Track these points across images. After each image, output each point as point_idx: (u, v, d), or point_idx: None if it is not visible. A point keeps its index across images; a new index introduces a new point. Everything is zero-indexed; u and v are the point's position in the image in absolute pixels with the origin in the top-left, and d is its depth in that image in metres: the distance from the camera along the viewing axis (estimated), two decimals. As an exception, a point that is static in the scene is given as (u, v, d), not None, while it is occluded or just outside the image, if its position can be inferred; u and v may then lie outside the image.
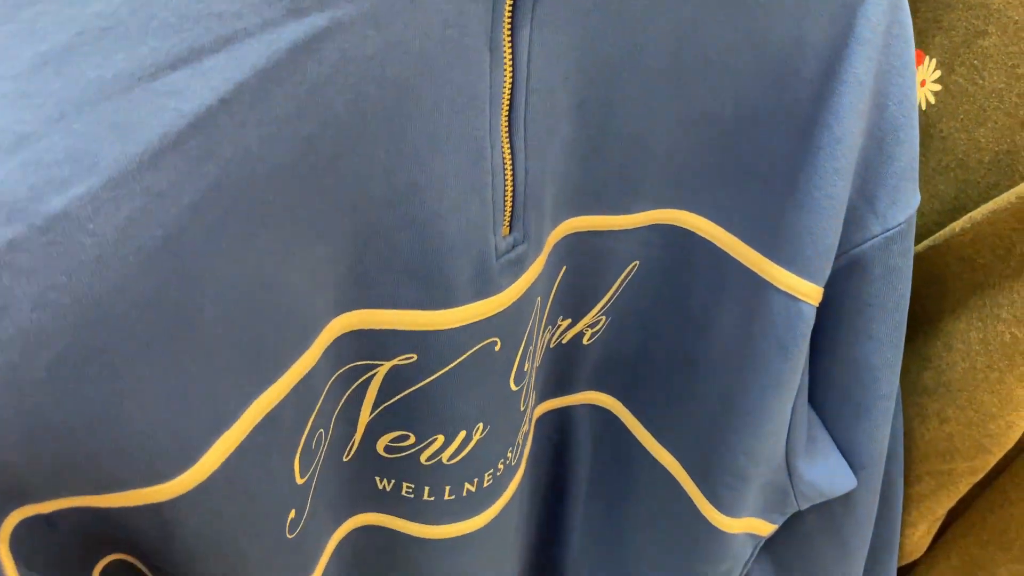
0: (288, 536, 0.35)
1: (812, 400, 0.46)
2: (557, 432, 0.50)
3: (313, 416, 0.34)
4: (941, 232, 0.47)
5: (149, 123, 0.23)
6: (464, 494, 0.41)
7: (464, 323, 0.35)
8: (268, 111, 0.26)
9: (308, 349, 0.32)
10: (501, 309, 0.35)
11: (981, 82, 0.48)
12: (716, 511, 0.47)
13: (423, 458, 0.39)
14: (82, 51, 0.23)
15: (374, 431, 0.38)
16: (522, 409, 0.42)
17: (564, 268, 0.41)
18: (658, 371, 0.47)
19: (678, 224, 0.42)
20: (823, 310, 0.42)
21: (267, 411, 0.30)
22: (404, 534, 0.42)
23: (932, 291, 0.48)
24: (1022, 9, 0.46)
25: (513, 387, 0.39)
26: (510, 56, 0.31)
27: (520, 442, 0.43)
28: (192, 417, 0.27)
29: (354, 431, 0.38)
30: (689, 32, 0.35)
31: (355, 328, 0.34)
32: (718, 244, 0.41)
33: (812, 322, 0.40)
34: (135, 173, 0.23)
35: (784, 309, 0.40)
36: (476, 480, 0.41)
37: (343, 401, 0.36)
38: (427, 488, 0.40)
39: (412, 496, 0.41)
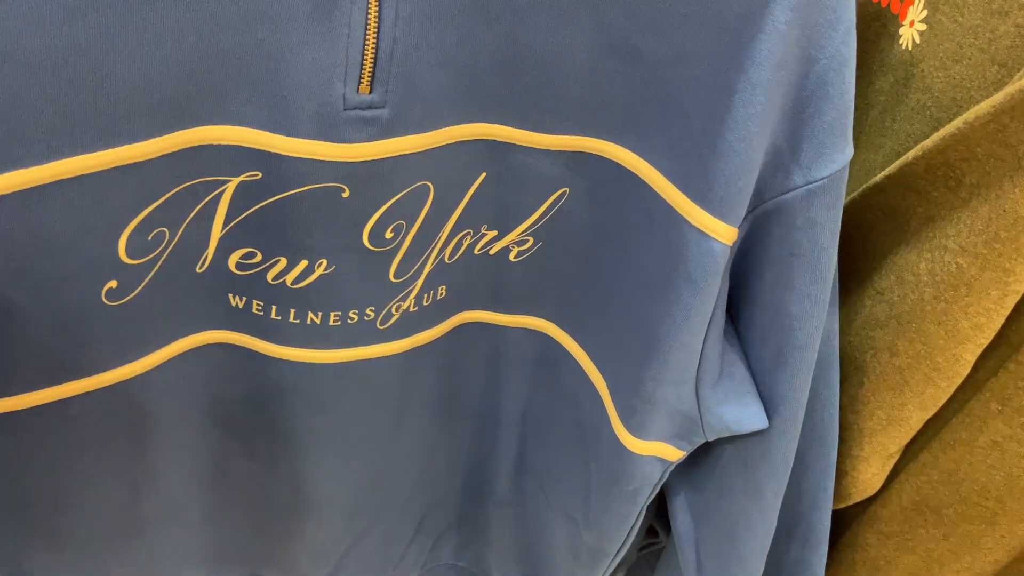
0: (105, 301, 0.40)
1: (740, 342, 0.48)
2: (493, 349, 0.53)
3: (149, 209, 0.39)
4: (895, 163, 0.47)
5: None
6: (308, 322, 0.45)
7: (305, 155, 0.38)
8: None
9: (144, 141, 0.36)
10: (349, 159, 0.39)
11: (961, 19, 0.48)
12: (626, 431, 0.49)
13: (269, 277, 0.43)
14: None
15: (225, 247, 0.42)
16: (393, 280, 0.44)
17: (484, 175, 0.44)
18: (590, 295, 0.49)
19: (605, 155, 0.43)
20: (750, 254, 0.44)
21: (80, 172, 0.35)
22: (256, 352, 0.47)
23: (887, 224, 0.49)
24: (1003, -56, 0.46)
25: (368, 244, 0.42)
26: None
27: (394, 312, 0.46)
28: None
29: (206, 245, 0.42)
30: None
31: (205, 142, 0.38)
32: (642, 177, 0.43)
33: (724, 260, 0.42)
34: None
35: (696, 245, 0.42)
36: (320, 313, 0.45)
37: (194, 212, 0.40)
38: (274, 307, 0.44)
39: (261, 314, 0.45)
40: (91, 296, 0.40)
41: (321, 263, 0.43)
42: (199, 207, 0.40)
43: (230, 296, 0.45)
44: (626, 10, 0.38)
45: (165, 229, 0.40)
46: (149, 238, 0.40)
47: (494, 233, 0.47)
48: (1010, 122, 0.41)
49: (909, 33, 0.52)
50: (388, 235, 0.43)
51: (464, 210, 0.44)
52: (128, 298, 0.41)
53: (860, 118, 0.56)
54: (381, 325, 0.47)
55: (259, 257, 0.43)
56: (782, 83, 0.38)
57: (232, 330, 0.46)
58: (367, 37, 0.36)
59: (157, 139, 0.37)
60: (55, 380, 0.42)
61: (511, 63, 0.39)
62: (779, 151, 0.40)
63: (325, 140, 0.38)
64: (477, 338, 0.52)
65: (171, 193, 0.39)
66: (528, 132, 0.42)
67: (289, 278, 0.43)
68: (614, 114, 0.42)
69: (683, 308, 0.43)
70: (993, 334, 0.46)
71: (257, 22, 0.35)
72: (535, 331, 0.52)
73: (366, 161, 0.39)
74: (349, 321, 0.46)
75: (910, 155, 0.46)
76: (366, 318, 0.46)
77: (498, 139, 0.42)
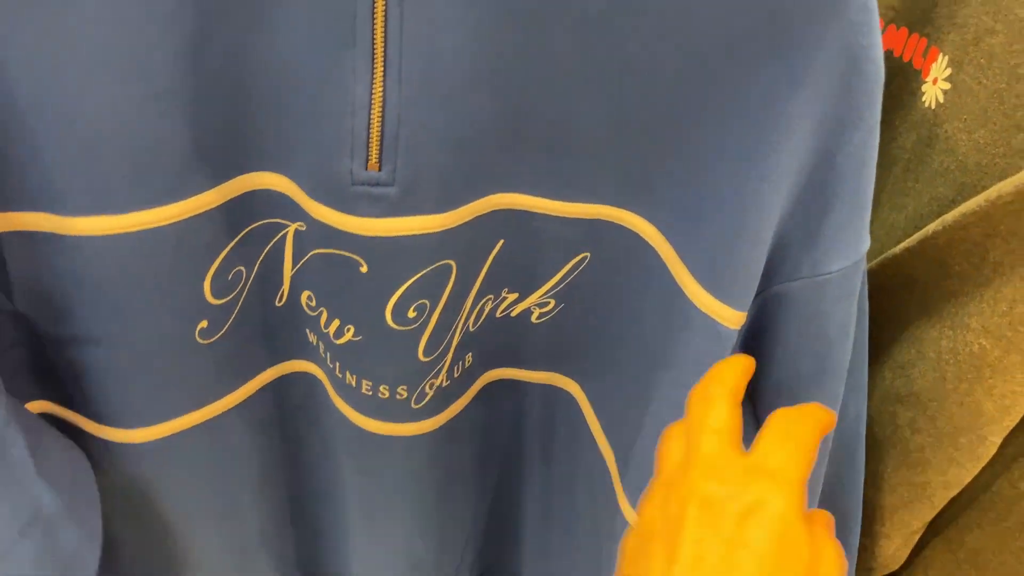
0: (199, 340, 0.43)
1: (754, 415, 0.46)
2: (516, 406, 0.52)
3: (226, 250, 0.41)
4: (916, 234, 0.45)
5: None
6: (347, 381, 0.46)
7: (325, 221, 0.40)
8: None
9: (210, 190, 0.39)
10: (362, 233, 0.40)
11: (985, 82, 0.46)
12: (631, 508, 0.48)
13: (321, 323, 0.45)
14: None
15: (296, 285, 0.44)
16: (423, 359, 0.44)
17: (502, 242, 0.43)
18: (608, 362, 0.48)
19: (624, 224, 0.43)
20: (760, 333, 0.43)
21: (169, 221, 0.38)
22: (327, 391, 0.48)
23: (906, 295, 0.47)
24: (1028, 6, 0.44)
25: (391, 322, 0.43)
26: (382, 7, 0.35)
27: (428, 391, 0.46)
28: (114, 181, 0.37)
29: (282, 282, 0.44)
30: (602, 27, 0.36)
31: (258, 187, 0.40)
32: (657, 250, 0.42)
33: (730, 343, 0.41)
34: None
35: (703, 328, 0.40)
36: (355, 377, 0.45)
37: (266, 252, 0.43)
38: (329, 355, 0.46)
39: (324, 357, 0.46)
40: (187, 335, 0.43)
41: (349, 328, 0.44)
42: (269, 247, 0.43)
43: (308, 331, 0.47)
44: (633, 81, 0.37)
45: (242, 268, 0.43)
46: (229, 277, 0.43)
47: (515, 296, 0.46)
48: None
49: (933, 91, 0.50)
50: (411, 314, 0.43)
51: (485, 278, 0.44)
52: (218, 336, 0.44)
53: (882, 175, 0.54)
54: (415, 404, 0.47)
55: (315, 302, 0.44)
56: (796, 173, 0.37)
57: (312, 362, 0.48)
58: (372, 116, 0.37)
59: (216, 188, 0.39)
60: (157, 418, 0.45)
61: (523, 135, 0.39)
62: (788, 240, 0.39)
63: (338, 210, 0.39)
64: (502, 396, 0.52)
65: (242, 234, 0.42)
66: (546, 200, 0.42)
67: (331, 331, 0.44)
68: (631, 184, 0.41)
69: (687, 388, 0.42)
70: (1020, 415, 0.44)
71: (272, 92, 0.37)
72: (557, 388, 0.51)
73: (381, 237, 0.40)
74: (381, 396, 0.46)
75: (931, 228, 0.44)
76: (398, 397, 0.46)
77: (515, 207, 0.42)
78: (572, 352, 0.49)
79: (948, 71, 0.49)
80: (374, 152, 0.38)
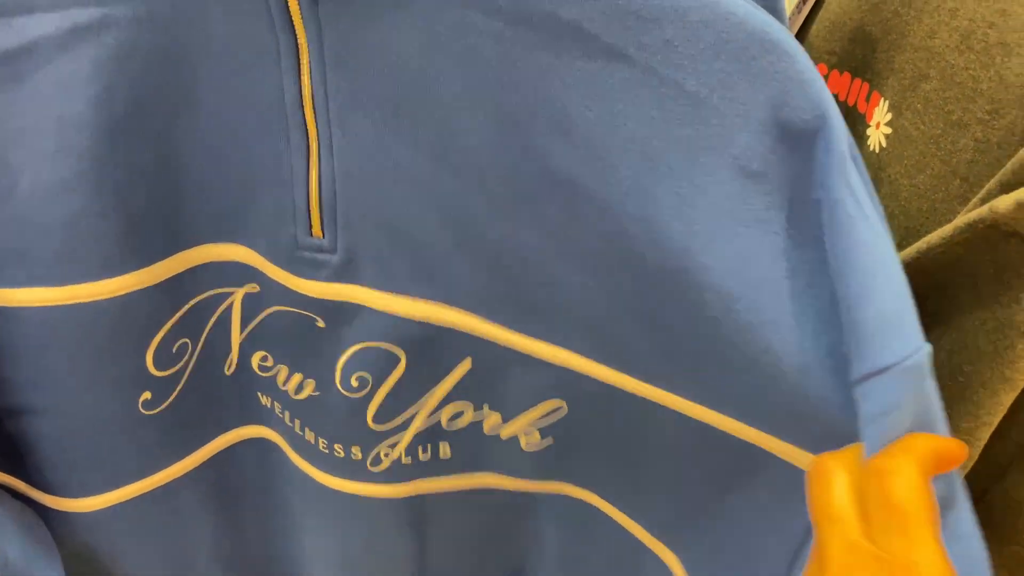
0: (143, 411, 0.44)
1: None
2: (520, 508, 0.49)
3: (168, 325, 0.42)
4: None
5: None
6: (307, 437, 0.46)
7: (280, 281, 0.41)
8: (57, 68, 0.35)
9: (148, 266, 0.40)
10: (314, 295, 0.41)
11: (923, 127, 0.47)
12: None
13: (279, 382, 0.46)
14: None
15: (246, 350, 0.45)
16: (373, 426, 0.44)
17: (469, 360, 0.42)
18: (630, 480, 0.45)
19: (606, 381, 0.39)
20: None
21: (105, 296, 0.39)
22: (284, 453, 0.49)
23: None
24: (958, 55, 0.44)
25: (339, 383, 0.43)
26: (308, 83, 0.35)
27: (383, 458, 0.45)
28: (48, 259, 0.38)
29: (230, 349, 0.45)
30: (518, 130, 0.34)
31: (207, 260, 0.42)
32: (653, 400, 0.39)
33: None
34: None
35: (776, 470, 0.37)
36: (314, 434, 0.46)
37: (212, 321, 0.44)
38: (287, 413, 0.46)
39: (282, 417, 0.47)
40: (129, 407, 0.43)
41: (310, 383, 0.44)
42: (215, 316, 0.44)
43: (259, 395, 0.47)
44: (562, 203, 0.34)
45: (187, 340, 0.44)
46: (173, 350, 0.43)
47: (497, 416, 0.44)
48: (964, 253, 0.39)
49: (876, 136, 0.51)
50: (354, 383, 0.43)
51: (455, 389, 0.43)
52: (163, 407, 0.44)
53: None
54: (372, 467, 0.46)
55: (271, 361, 0.45)
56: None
57: (266, 426, 0.49)
58: (310, 186, 0.38)
59: (159, 264, 0.40)
60: (104, 487, 0.46)
61: (459, 247, 0.37)
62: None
63: (290, 272, 0.41)
64: (499, 499, 0.49)
65: (186, 308, 0.42)
66: (503, 329, 0.40)
67: (291, 387, 0.45)
68: (588, 327, 0.38)
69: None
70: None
71: (215, 166, 0.39)
72: (571, 497, 0.48)
73: (328, 300, 0.41)
74: (336, 454, 0.46)
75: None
76: (353, 457, 0.46)
77: (474, 332, 0.40)
78: (581, 470, 0.46)
79: (889, 116, 0.50)
80: (316, 220, 0.39)
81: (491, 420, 0.45)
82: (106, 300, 0.39)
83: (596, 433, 0.43)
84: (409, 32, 0.33)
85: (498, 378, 0.42)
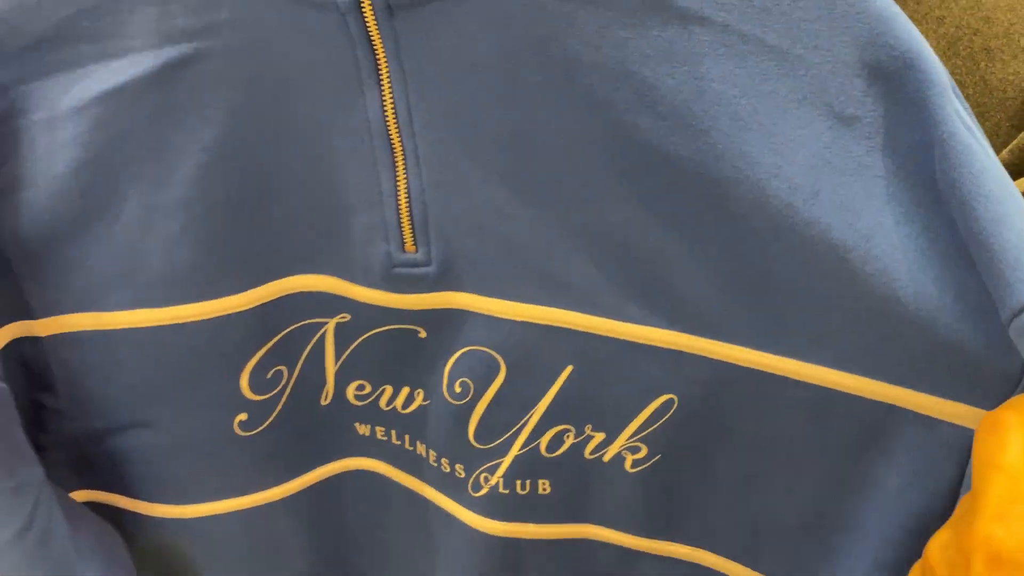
0: (238, 432, 0.45)
1: None
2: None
3: (264, 350, 0.44)
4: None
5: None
6: (417, 451, 0.47)
7: (376, 303, 0.42)
8: (150, 102, 0.37)
9: (242, 292, 0.42)
10: (413, 308, 0.41)
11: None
12: None
13: (382, 404, 0.46)
14: None
15: (341, 381, 0.46)
16: (474, 442, 0.44)
17: (570, 368, 0.41)
18: (760, 530, 0.42)
19: (717, 357, 0.37)
20: None
21: (201, 318, 0.41)
22: (388, 478, 0.49)
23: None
24: (945, 60, 0.47)
25: (445, 392, 0.43)
26: (390, 99, 0.36)
27: (483, 483, 0.45)
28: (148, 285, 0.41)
29: (325, 380, 0.46)
30: (605, 106, 0.34)
31: (296, 290, 0.43)
32: (769, 371, 0.37)
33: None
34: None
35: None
36: (424, 446, 0.46)
37: (307, 352, 0.45)
38: (394, 432, 0.47)
39: (385, 439, 0.47)
40: (225, 426, 0.45)
41: (419, 393, 0.45)
42: (309, 347, 0.44)
43: (356, 425, 0.48)
44: (656, 175, 0.34)
45: (283, 368, 0.45)
46: (268, 376, 0.44)
47: (601, 436, 0.42)
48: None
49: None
50: (457, 389, 0.43)
51: (553, 403, 0.42)
52: (259, 430, 0.46)
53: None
54: (473, 492, 0.46)
55: (369, 388, 0.46)
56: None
57: (367, 456, 0.49)
58: (399, 202, 0.39)
59: (252, 291, 0.42)
60: (200, 497, 0.47)
61: (553, 240, 0.37)
62: None
63: (387, 291, 0.41)
64: (601, 558, 0.46)
65: (280, 336, 0.44)
66: (607, 320, 0.39)
67: (398, 403, 0.46)
68: (695, 302, 0.36)
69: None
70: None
71: (306, 191, 0.39)
72: (681, 560, 0.45)
73: (430, 309, 0.42)
74: (443, 468, 0.46)
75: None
76: (457, 475, 0.46)
77: (575, 327, 0.39)
78: (691, 510, 0.43)
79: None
80: (408, 235, 0.40)
81: (594, 441, 0.43)
82: (204, 321, 0.41)
83: (706, 433, 0.40)
84: (483, 29, 0.34)
85: (602, 384, 0.40)
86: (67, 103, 0.37)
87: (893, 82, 0.31)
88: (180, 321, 0.41)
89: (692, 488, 0.42)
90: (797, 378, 0.36)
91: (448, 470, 0.46)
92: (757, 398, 0.38)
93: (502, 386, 0.42)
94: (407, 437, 0.47)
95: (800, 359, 0.36)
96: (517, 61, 0.34)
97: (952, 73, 0.46)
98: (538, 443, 0.44)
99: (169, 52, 0.36)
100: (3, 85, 0.37)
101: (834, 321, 0.34)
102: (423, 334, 0.43)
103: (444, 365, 0.43)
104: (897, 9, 0.31)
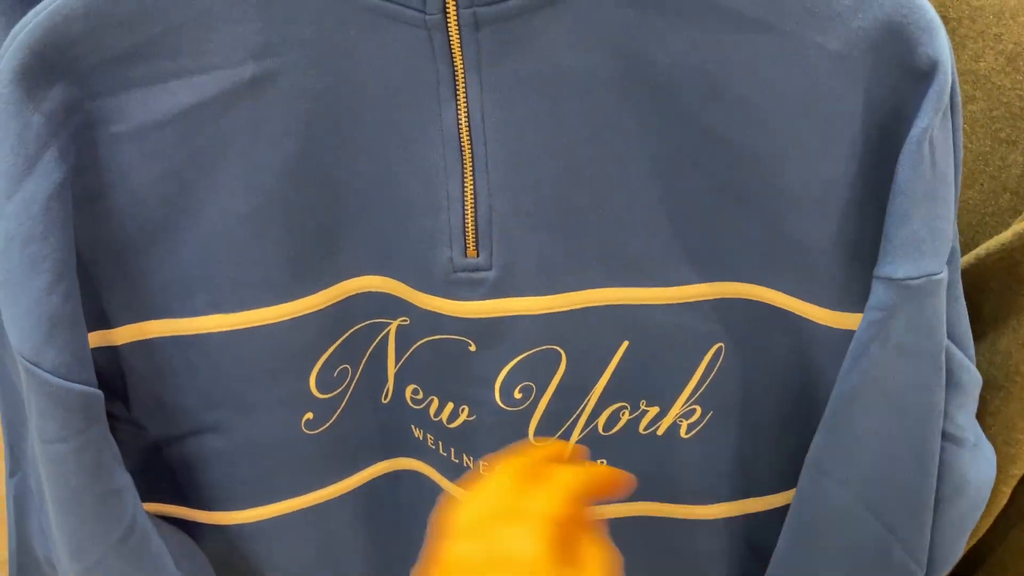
0: (305, 430, 0.46)
1: None
2: (685, 544, 0.48)
3: (331, 350, 0.44)
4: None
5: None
6: (464, 464, 0.47)
7: (431, 309, 0.42)
8: (234, 115, 0.38)
9: (313, 294, 0.42)
10: (467, 315, 0.42)
11: (970, 145, 0.49)
12: None
13: (431, 413, 0.46)
14: None
15: (400, 382, 0.46)
16: (532, 441, 0.45)
17: (626, 343, 0.43)
18: (783, 458, 0.45)
19: (748, 297, 0.42)
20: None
21: (276, 320, 0.42)
22: (437, 484, 0.49)
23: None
24: (1004, 76, 0.47)
25: (500, 401, 0.44)
26: (465, 108, 0.38)
27: None
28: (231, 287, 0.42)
29: (386, 379, 0.47)
30: (675, 104, 0.37)
31: (362, 290, 0.44)
32: (796, 312, 0.42)
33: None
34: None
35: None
36: (472, 459, 0.46)
37: (370, 351, 0.46)
38: (441, 443, 0.47)
39: (434, 448, 0.48)
40: (293, 425, 0.46)
41: (464, 409, 0.45)
42: (372, 346, 0.45)
43: (412, 427, 0.48)
44: (726, 153, 0.39)
45: (348, 366, 0.45)
46: (335, 375, 0.45)
47: (656, 409, 0.45)
48: (1021, 259, 0.42)
49: (923, 155, 0.53)
50: (517, 395, 0.44)
51: (611, 381, 0.44)
52: (323, 428, 0.46)
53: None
54: None
55: (421, 395, 0.46)
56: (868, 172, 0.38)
57: (418, 459, 0.49)
58: (465, 208, 0.40)
59: (324, 291, 0.43)
60: (264, 500, 0.48)
61: (616, 222, 0.40)
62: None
63: (442, 297, 0.42)
64: (658, 533, 0.48)
65: (346, 335, 0.44)
66: (658, 288, 0.42)
67: (444, 417, 0.46)
68: (738, 253, 0.41)
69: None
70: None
71: (375, 195, 0.40)
72: (742, 516, 0.48)
73: (483, 318, 0.42)
74: None
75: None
76: None
77: (630, 302, 0.42)
78: (738, 469, 0.46)
79: (937, 136, 0.52)
80: (470, 240, 0.40)
81: (648, 416, 0.45)
82: (277, 324, 0.42)
83: (747, 373, 0.44)
84: (566, 38, 0.36)
85: (657, 352, 0.43)
86: (146, 116, 0.38)
87: (920, 84, 0.35)
88: (256, 324, 0.42)
89: (736, 444, 0.46)
90: (788, 309, 0.42)
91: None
92: (773, 330, 0.43)
93: (563, 377, 0.44)
94: (452, 450, 0.47)
95: (789, 294, 0.42)
96: (594, 63, 0.37)
97: (1012, 88, 0.47)
98: (596, 423, 0.45)
99: (252, 67, 0.38)
100: (80, 99, 0.37)
101: (819, 262, 0.40)
102: (473, 347, 0.43)
103: (495, 378, 0.44)
104: (939, 23, 0.35)
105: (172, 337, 0.42)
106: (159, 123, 0.38)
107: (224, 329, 0.42)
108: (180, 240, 0.40)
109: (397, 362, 0.46)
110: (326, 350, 0.44)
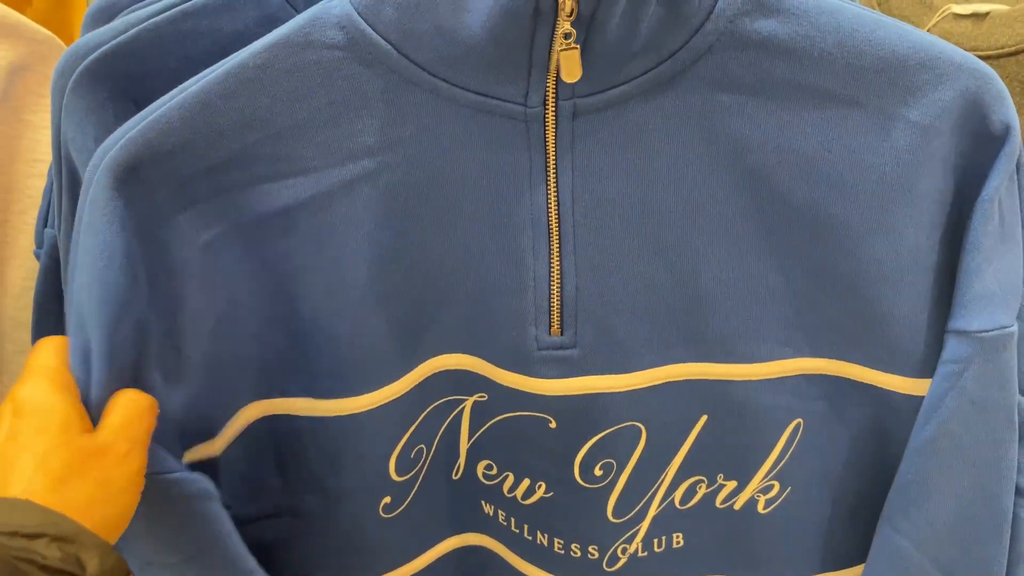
0: (382, 515, 0.46)
1: None
2: None
3: (410, 432, 0.45)
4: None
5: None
6: (538, 542, 0.47)
7: (512, 386, 0.43)
8: (332, 214, 0.40)
9: (400, 379, 0.43)
10: (548, 393, 0.42)
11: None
12: None
13: (505, 489, 0.47)
14: None
15: (472, 457, 0.47)
16: (613, 519, 0.45)
17: (705, 417, 0.44)
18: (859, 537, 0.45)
19: (831, 373, 0.43)
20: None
21: (366, 408, 0.43)
22: (506, 561, 0.49)
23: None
24: None
25: (579, 479, 0.44)
26: (555, 192, 0.39)
27: (620, 555, 0.46)
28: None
29: (458, 455, 0.47)
30: (760, 183, 0.39)
31: (442, 369, 0.44)
32: (876, 384, 0.43)
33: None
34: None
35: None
36: (547, 536, 0.47)
37: (444, 427, 0.46)
38: (513, 519, 0.47)
39: (506, 524, 0.48)
40: (371, 510, 0.46)
41: (540, 485, 0.46)
42: (447, 422, 0.46)
43: (483, 503, 0.48)
44: (814, 230, 0.40)
45: (423, 446, 0.46)
46: (412, 456, 0.46)
47: (733, 484, 0.46)
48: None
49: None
50: (597, 472, 0.45)
51: (689, 454, 0.45)
52: (400, 510, 0.47)
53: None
54: (608, 567, 0.47)
55: (495, 470, 0.46)
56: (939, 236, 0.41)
57: (487, 535, 0.49)
58: (552, 287, 0.41)
59: (407, 375, 0.44)
60: None
61: (701, 300, 0.41)
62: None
63: (525, 374, 0.43)
64: None
65: (424, 414, 0.45)
66: (740, 365, 0.43)
67: (519, 493, 0.46)
68: (820, 329, 0.42)
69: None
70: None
71: (462, 278, 0.42)
72: None
73: (565, 396, 0.43)
74: (572, 554, 0.47)
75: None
76: (590, 556, 0.46)
77: (710, 378, 0.43)
78: (817, 543, 0.46)
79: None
80: (555, 319, 0.42)
81: (725, 490, 0.46)
82: (363, 413, 0.43)
83: (825, 448, 0.45)
84: (658, 122, 0.38)
85: (735, 426, 0.44)
86: (241, 219, 0.39)
87: (990, 149, 0.38)
88: (343, 413, 0.43)
89: (816, 520, 0.46)
90: (868, 382, 0.43)
91: (579, 555, 0.46)
92: (852, 404, 0.44)
93: (643, 452, 0.44)
94: (526, 527, 0.47)
95: (869, 367, 0.43)
96: (689, 150, 0.39)
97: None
98: (672, 497, 0.46)
99: (351, 169, 0.39)
100: (175, 208, 0.38)
101: (892, 334, 0.42)
102: (553, 424, 0.43)
103: (575, 455, 0.44)
104: (1006, 91, 0.38)
105: (262, 418, 0.43)
106: (254, 224, 0.39)
107: (312, 414, 0.43)
108: (273, 338, 0.41)
109: (471, 438, 0.46)
110: (406, 432, 0.45)
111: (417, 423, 0.45)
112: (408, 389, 0.44)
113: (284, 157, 0.38)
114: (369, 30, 0.37)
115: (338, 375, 0.42)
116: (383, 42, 0.37)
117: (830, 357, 0.43)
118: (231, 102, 0.37)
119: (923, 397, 0.42)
